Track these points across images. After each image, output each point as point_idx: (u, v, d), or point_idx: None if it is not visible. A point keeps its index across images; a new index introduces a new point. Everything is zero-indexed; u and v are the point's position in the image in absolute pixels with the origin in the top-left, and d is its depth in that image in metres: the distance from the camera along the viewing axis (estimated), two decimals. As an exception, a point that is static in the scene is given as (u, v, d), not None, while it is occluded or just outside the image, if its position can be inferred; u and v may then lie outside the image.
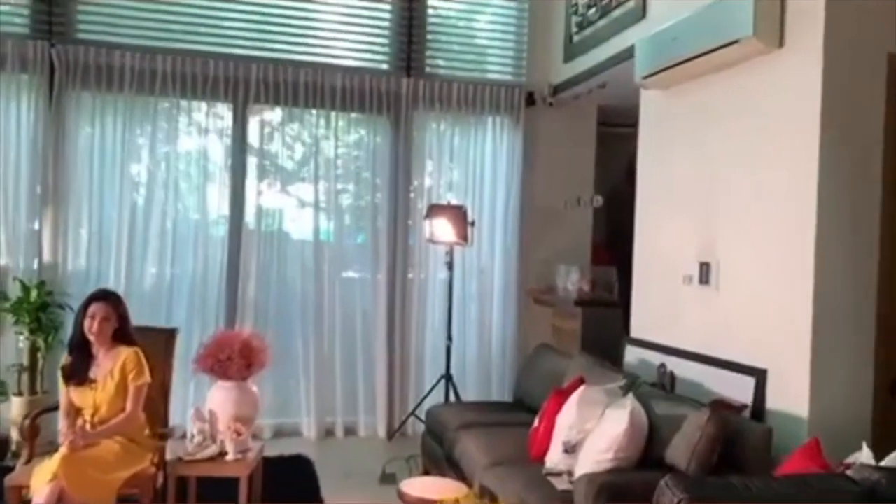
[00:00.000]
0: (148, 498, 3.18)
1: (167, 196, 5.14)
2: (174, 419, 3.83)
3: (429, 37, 5.62)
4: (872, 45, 3.04)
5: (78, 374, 3.24)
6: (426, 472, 4.26)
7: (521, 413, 4.12)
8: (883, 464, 2.22)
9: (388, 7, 5.55)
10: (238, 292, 5.21)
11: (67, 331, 3.65)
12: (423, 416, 4.75)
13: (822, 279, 2.97)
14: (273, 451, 4.47)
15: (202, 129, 5.25)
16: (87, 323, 3.22)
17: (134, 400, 3.22)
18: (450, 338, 5.20)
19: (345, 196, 5.58)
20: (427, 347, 5.52)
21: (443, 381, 5.14)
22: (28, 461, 3.20)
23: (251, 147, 5.33)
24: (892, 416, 3.02)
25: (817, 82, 2.98)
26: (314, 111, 5.36)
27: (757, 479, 2.09)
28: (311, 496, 4.04)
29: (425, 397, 5.19)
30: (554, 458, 3.14)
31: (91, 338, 3.23)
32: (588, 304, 5.11)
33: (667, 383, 3.77)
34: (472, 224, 5.12)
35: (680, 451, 2.80)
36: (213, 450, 3.39)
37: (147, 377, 3.26)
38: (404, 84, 5.45)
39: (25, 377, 4.66)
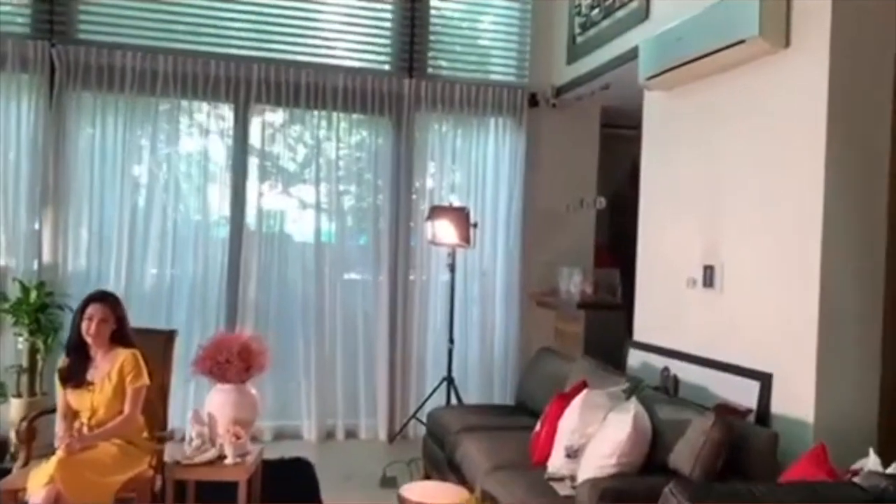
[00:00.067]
0: (145, 501, 3.16)
1: (168, 197, 5.13)
2: (173, 422, 3.80)
3: (431, 37, 5.60)
4: (879, 45, 3.01)
5: (75, 376, 3.21)
6: (427, 476, 4.24)
7: (523, 416, 4.09)
8: (890, 471, 2.19)
9: (390, 7, 5.53)
10: (239, 294, 5.19)
11: (67, 332, 3.62)
12: (424, 419, 4.72)
13: (827, 282, 2.94)
14: (273, 453, 4.46)
15: (203, 129, 5.23)
16: (84, 324, 3.19)
17: (132, 402, 3.18)
18: (451, 340, 5.18)
19: (346, 197, 5.56)
20: (429, 350, 5.49)
21: (444, 384, 5.11)
22: (25, 464, 3.17)
23: (252, 148, 5.31)
24: (898, 422, 2.98)
25: (824, 83, 2.95)
26: (316, 112, 5.34)
27: (762, 486, 2.05)
28: (311, 499, 4.01)
29: (426, 400, 5.16)
30: (556, 462, 3.11)
31: (88, 340, 3.20)
32: (591, 306, 5.08)
33: (670, 387, 3.73)
34: (475, 226, 5.09)
35: (684, 456, 2.77)
36: (211, 453, 3.36)
37: (145, 379, 3.23)
38: (406, 85, 5.42)
39: (24, 379, 4.64)
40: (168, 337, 3.63)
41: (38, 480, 2.81)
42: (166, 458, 3.35)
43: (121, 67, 4.92)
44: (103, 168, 4.97)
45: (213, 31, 5.22)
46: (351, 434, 5.39)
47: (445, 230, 4.98)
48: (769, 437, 2.82)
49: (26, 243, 4.83)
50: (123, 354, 3.22)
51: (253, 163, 5.29)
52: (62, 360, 3.31)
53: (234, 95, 5.17)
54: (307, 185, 5.45)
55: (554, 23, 5.64)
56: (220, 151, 5.26)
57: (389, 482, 4.21)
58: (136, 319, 3.44)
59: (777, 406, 3.09)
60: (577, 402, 3.18)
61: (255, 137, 5.31)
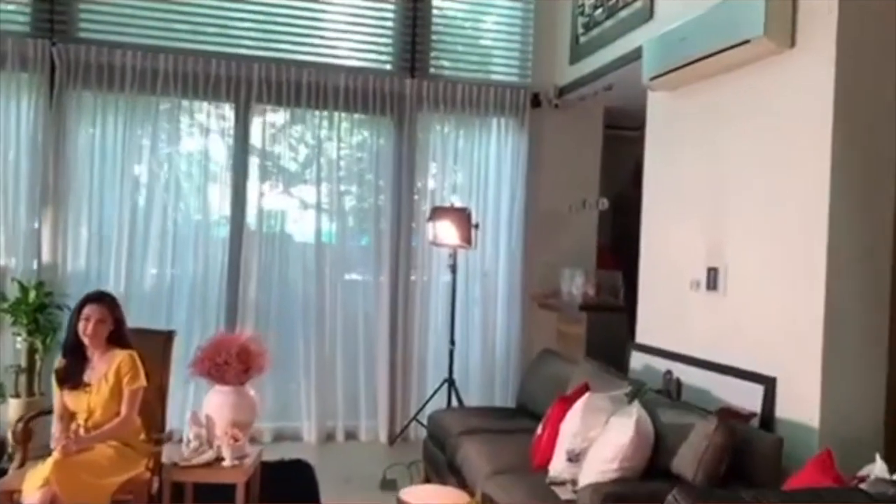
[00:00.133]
0: (142, 503, 3.12)
1: (168, 196, 5.10)
2: (173, 423, 3.78)
3: (433, 37, 5.57)
4: (885, 44, 2.98)
5: (72, 377, 3.19)
6: (427, 479, 4.21)
7: (525, 419, 4.05)
8: (897, 477, 2.16)
9: (391, 7, 5.50)
10: (239, 294, 5.16)
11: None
12: (424, 421, 4.69)
13: (833, 285, 2.90)
14: (273, 455, 4.43)
15: (204, 129, 5.20)
16: (81, 325, 3.17)
17: (129, 404, 3.16)
18: (453, 342, 5.15)
19: (348, 198, 5.52)
20: (430, 351, 5.46)
21: (445, 386, 5.08)
22: (21, 465, 3.14)
23: (253, 148, 5.28)
24: (905, 426, 2.95)
25: (830, 83, 2.91)
26: (317, 112, 5.31)
27: (767, 492, 2.03)
28: (310, 501, 3.98)
29: (427, 402, 5.13)
30: (557, 466, 3.07)
31: (85, 340, 3.17)
32: (593, 308, 5.05)
33: (673, 390, 3.70)
34: (476, 227, 5.06)
35: (687, 460, 2.73)
36: (209, 455, 3.34)
37: (142, 381, 3.20)
38: (408, 85, 5.39)
39: (23, 379, 4.62)
40: (167, 337, 3.60)
41: (33, 482, 2.79)
42: (164, 459, 3.32)
43: (121, 66, 4.89)
44: (103, 167, 4.94)
45: (214, 30, 5.20)
46: (351, 436, 5.36)
47: (447, 231, 4.95)
48: (773, 441, 2.79)
49: (26, 243, 4.81)
50: (120, 355, 3.19)
51: (254, 162, 5.27)
52: (59, 361, 3.29)
53: (235, 95, 5.14)
54: (308, 186, 5.42)
55: (557, 22, 5.61)
56: (220, 151, 5.23)
57: (389, 485, 4.18)
58: (135, 319, 3.41)
59: (781, 410, 3.05)
60: (579, 405, 3.15)
61: (255, 137, 5.28)
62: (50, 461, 2.83)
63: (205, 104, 5.17)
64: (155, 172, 5.08)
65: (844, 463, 2.37)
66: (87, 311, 3.18)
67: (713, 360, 3.48)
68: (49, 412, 3.40)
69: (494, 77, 5.71)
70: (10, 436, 4.29)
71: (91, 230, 4.94)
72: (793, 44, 3.10)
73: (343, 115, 5.38)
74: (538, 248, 5.61)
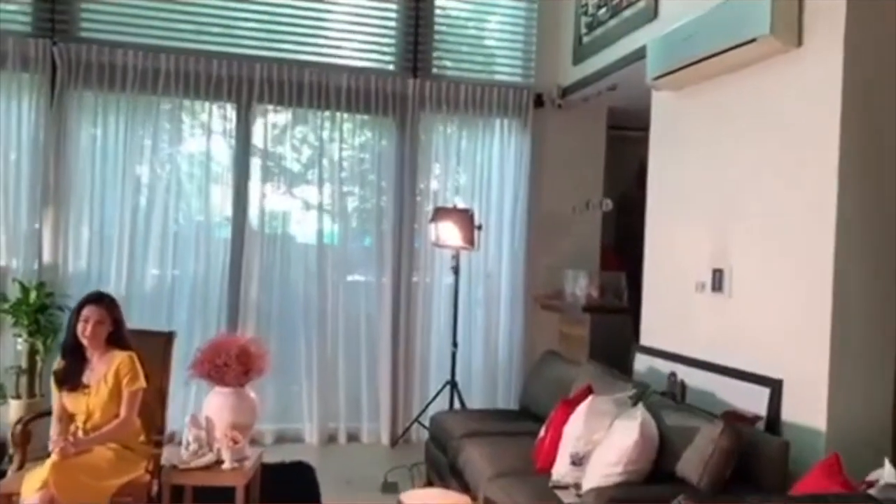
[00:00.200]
0: (142, 506, 3.10)
1: (169, 197, 5.08)
2: (173, 425, 3.76)
3: (436, 37, 5.55)
4: (893, 43, 2.93)
5: (71, 378, 3.16)
6: (429, 481, 4.18)
7: (528, 422, 4.02)
8: (907, 482, 2.12)
9: (394, 7, 5.48)
10: (240, 295, 5.14)
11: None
12: (427, 423, 4.66)
13: (840, 286, 2.86)
14: (274, 457, 4.41)
15: (206, 129, 5.18)
16: (80, 326, 3.15)
17: (128, 406, 3.13)
18: (455, 343, 5.12)
19: (350, 199, 5.50)
20: (432, 353, 5.43)
21: (447, 388, 5.05)
22: (20, 467, 3.12)
23: (255, 148, 5.26)
24: (913, 430, 2.90)
25: (837, 82, 2.88)
26: (319, 112, 5.29)
27: (774, 497, 1.99)
28: (311, 503, 3.95)
29: (429, 404, 5.10)
30: (561, 470, 3.04)
31: (84, 341, 3.15)
32: (596, 310, 5.02)
33: (677, 393, 3.66)
34: (479, 228, 5.04)
35: (692, 464, 2.70)
36: (209, 458, 3.31)
37: (142, 382, 3.18)
38: (411, 85, 5.37)
39: (24, 380, 4.60)
40: (167, 338, 3.58)
41: (31, 485, 2.76)
42: (163, 462, 3.29)
43: (122, 66, 4.88)
44: (104, 168, 4.93)
45: (216, 29, 5.18)
46: (353, 438, 5.33)
47: (449, 232, 4.92)
48: (780, 445, 2.76)
49: (26, 243, 4.79)
50: (120, 357, 3.17)
51: (256, 163, 5.25)
52: (58, 363, 3.27)
53: (237, 95, 5.12)
54: (310, 186, 5.40)
55: (560, 22, 5.59)
56: (222, 151, 5.21)
57: (391, 487, 4.16)
58: (136, 320, 3.39)
59: (788, 413, 3.01)
60: (582, 408, 3.11)
61: (258, 137, 5.26)
62: (48, 463, 2.81)
63: (207, 104, 5.15)
64: (156, 173, 5.07)
65: (852, 467, 2.33)
66: (85, 312, 3.16)
67: (718, 362, 3.44)
68: (47, 414, 3.38)
69: (497, 77, 5.68)
70: (10, 437, 4.29)
71: (92, 230, 4.92)
72: (800, 43, 3.06)
73: (346, 115, 5.37)
74: (541, 250, 5.58)
